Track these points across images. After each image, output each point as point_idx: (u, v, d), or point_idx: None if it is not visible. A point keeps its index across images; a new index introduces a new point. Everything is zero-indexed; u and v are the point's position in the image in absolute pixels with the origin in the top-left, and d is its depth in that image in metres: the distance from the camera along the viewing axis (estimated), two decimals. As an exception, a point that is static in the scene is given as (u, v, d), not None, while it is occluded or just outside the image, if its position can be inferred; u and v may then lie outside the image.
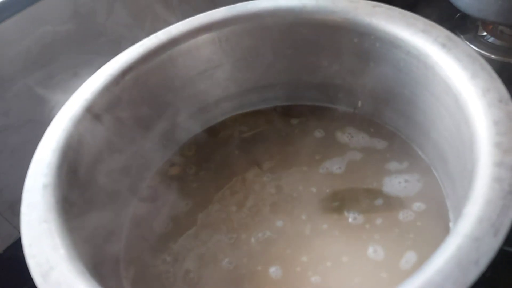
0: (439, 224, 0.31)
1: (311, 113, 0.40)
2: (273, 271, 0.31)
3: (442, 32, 0.29)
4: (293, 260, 0.31)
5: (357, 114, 0.39)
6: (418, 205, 0.32)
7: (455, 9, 0.47)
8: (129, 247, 0.33)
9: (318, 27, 0.34)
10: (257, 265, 0.31)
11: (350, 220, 0.33)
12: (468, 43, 0.48)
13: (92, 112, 0.31)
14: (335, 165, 0.36)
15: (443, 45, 0.28)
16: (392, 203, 0.33)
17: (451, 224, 0.30)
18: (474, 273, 0.19)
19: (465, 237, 0.20)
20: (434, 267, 0.20)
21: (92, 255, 0.27)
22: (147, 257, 0.32)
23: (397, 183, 0.34)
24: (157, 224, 0.34)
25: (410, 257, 0.30)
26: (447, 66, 0.28)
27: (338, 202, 0.34)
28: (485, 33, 0.49)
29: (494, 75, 0.26)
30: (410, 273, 0.20)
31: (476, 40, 0.49)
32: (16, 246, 0.47)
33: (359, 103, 0.38)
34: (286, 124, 0.40)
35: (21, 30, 0.40)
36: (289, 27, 0.35)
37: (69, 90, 0.32)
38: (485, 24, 0.49)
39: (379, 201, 0.33)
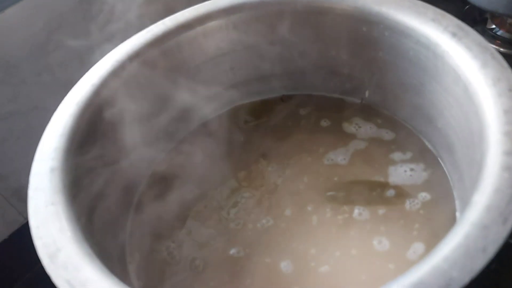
0: (446, 214, 0.31)
1: (317, 103, 0.40)
2: (284, 265, 0.30)
3: (453, 21, 0.29)
4: (300, 251, 0.31)
5: (364, 105, 0.38)
6: (424, 195, 0.32)
7: (464, 1, 0.46)
8: (134, 233, 0.33)
9: (326, 16, 0.34)
10: (264, 254, 0.31)
11: (356, 211, 0.32)
12: (476, 35, 0.48)
13: (98, 97, 0.31)
14: (342, 156, 0.36)
15: (454, 34, 0.28)
16: (399, 193, 0.33)
17: (457, 214, 0.30)
18: (481, 261, 0.19)
19: (473, 225, 0.20)
20: (441, 254, 0.20)
21: (98, 239, 0.27)
22: (152, 244, 0.33)
23: (403, 172, 0.34)
24: (162, 210, 0.34)
25: (416, 247, 0.30)
26: (457, 55, 0.27)
27: (344, 192, 0.34)
28: (494, 26, 0.49)
29: (505, 64, 0.26)
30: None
31: (484, 33, 0.48)
32: (22, 232, 0.47)
33: (367, 93, 0.38)
34: (293, 114, 0.40)
35: (28, 16, 0.40)
36: (297, 15, 0.35)
37: (75, 76, 0.32)
38: (494, 16, 0.49)
39: (385, 191, 0.33)
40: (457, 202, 0.31)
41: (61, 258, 0.23)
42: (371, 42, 0.33)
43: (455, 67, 0.28)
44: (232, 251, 0.32)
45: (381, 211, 0.32)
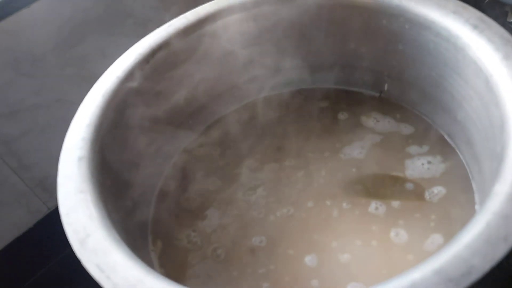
0: (464, 206, 0.31)
1: (336, 96, 0.40)
2: (308, 258, 0.31)
3: (474, 13, 0.29)
4: (321, 243, 0.31)
5: (383, 98, 0.39)
6: (442, 188, 0.32)
7: (484, -6, 0.46)
8: (156, 222, 0.34)
9: (346, 9, 0.34)
10: (286, 244, 0.31)
11: (373, 203, 0.33)
12: (496, 29, 0.47)
13: (123, 89, 0.31)
14: (359, 149, 0.36)
15: (475, 27, 0.28)
16: (416, 186, 0.33)
17: (476, 207, 0.30)
18: (503, 249, 0.19)
19: (494, 214, 0.20)
20: (462, 242, 0.20)
21: (123, 227, 0.28)
22: (174, 232, 0.33)
23: (420, 165, 0.34)
24: (184, 200, 0.35)
25: (435, 239, 0.30)
26: (478, 47, 0.27)
27: (362, 186, 0.34)
28: (514, 20, 0.48)
29: (527, 56, 0.26)
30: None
31: (504, 26, 0.48)
32: (46, 221, 0.49)
33: (385, 87, 0.38)
34: (311, 107, 0.40)
35: (53, 10, 0.41)
36: (317, 8, 0.35)
37: (98, 70, 0.33)
38: (514, 10, 0.48)
39: (403, 184, 0.33)
40: (476, 195, 0.31)
41: (90, 244, 0.23)
42: (391, 35, 0.33)
43: (476, 60, 0.28)
44: (254, 241, 0.32)
45: (399, 203, 0.32)
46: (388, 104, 0.38)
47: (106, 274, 0.22)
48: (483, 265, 0.19)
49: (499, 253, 0.19)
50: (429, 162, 0.34)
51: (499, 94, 0.25)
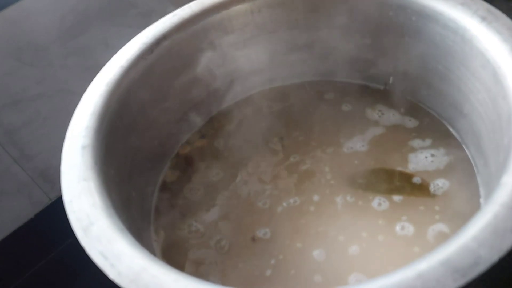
0: (469, 199, 0.31)
1: (340, 89, 0.40)
2: (316, 252, 0.31)
3: (482, 5, 0.29)
4: (328, 236, 0.31)
5: (388, 91, 0.38)
6: (446, 181, 0.32)
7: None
8: (159, 212, 0.34)
9: (352, 0, 0.34)
10: (292, 237, 0.31)
11: (378, 197, 0.32)
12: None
13: (127, 78, 0.31)
14: (363, 143, 0.36)
15: (483, 18, 0.28)
16: (421, 179, 0.33)
17: (481, 200, 0.30)
18: (510, 240, 0.19)
19: (502, 205, 0.20)
20: (469, 234, 0.20)
21: (127, 215, 0.28)
22: (177, 222, 0.33)
23: (423, 159, 0.34)
24: (187, 190, 0.35)
25: (440, 231, 0.30)
26: (486, 39, 0.27)
27: (365, 180, 0.34)
28: (520, 14, 0.48)
29: (536, 48, 0.25)
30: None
31: (510, 21, 0.48)
32: (47, 212, 0.48)
33: (391, 80, 0.38)
34: (316, 100, 0.40)
35: (56, -1, 0.41)
36: (321, 0, 0.35)
37: (100, 60, 0.33)
38: (520, 4, 0.48)
39: (407, 178, 0.33)
40: (481, 189, 0.31)
41: (94, 231, 0.23)
42: (397, 27, 0.33)
43: (483, 51, 0.27)
44: (259, 232, 0.32)
45: (403, 196, 0.32)
46: (393, 97, 0.38)
47: (110, 262, 0.22)
48: (490, 256, 0.19)
49: (506, 244, 0.19)
50: (432, 155, 0.34)
51: (507, 86, 0.25)
